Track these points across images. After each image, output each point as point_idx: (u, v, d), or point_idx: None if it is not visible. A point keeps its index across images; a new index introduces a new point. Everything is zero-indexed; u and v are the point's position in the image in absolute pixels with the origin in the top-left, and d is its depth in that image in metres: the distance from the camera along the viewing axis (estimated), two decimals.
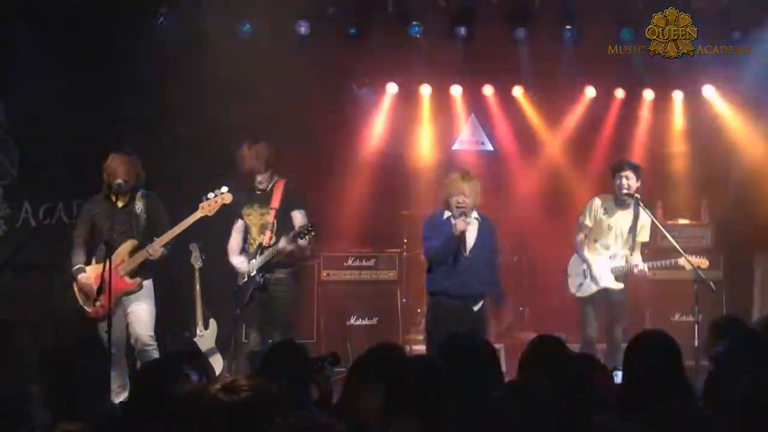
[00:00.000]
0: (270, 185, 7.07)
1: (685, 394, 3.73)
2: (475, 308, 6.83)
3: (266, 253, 6.90)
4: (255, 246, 7.03)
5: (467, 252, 6.80)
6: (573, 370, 3.84)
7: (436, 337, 6.47)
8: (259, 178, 7.00)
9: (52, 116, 8.16)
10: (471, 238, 6.83)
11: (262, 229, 7.01)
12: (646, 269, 7.50)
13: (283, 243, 6.80)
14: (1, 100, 8.26)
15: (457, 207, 6.75)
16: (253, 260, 6.97)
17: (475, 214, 6.86)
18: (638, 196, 7.55)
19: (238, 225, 7.15)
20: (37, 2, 8.09)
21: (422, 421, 3.34)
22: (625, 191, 7.46)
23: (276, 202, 7.00)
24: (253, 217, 7.07)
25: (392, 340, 6.67)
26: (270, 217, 7.00)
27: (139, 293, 6.76)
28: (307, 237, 6.82)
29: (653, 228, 7.74)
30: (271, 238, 6.96)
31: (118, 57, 8.24)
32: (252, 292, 6.94)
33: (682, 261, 7.42)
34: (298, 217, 7.03)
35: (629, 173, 7.48)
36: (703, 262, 7.53)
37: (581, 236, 7.68)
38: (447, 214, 6.86)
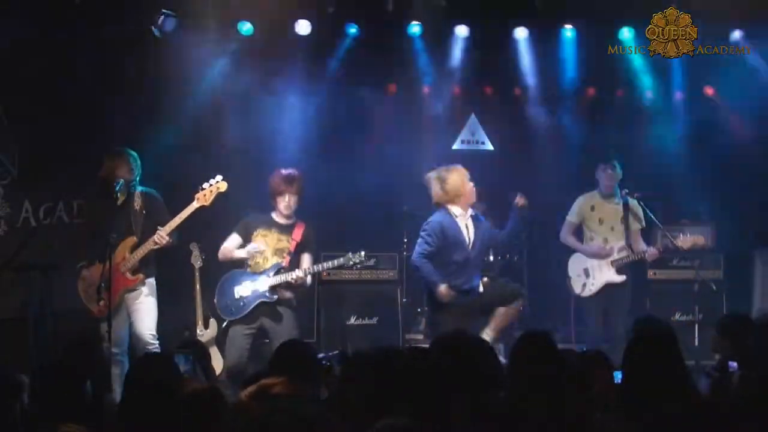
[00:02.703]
0: (293, 222, 7.28)
1: (686, 393, 3.72)
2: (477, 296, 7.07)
3: (287, 275, 7.13)
4: (263, 266, 7.20)
5: (470, 248, 6.97)
6: (562, 364, 3.84)
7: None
8: (289, 213, 7.21)
9: (53, 116, 8.15)
10: (472, 235, 7.00)
11: (278, 252, 7.20)
12: (656, 251, 7.57)
13: (299, 274, 7.11)
14: (1, 101, 8.26)
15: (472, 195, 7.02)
16: (265, 276, 7.13)
17: (471, 211, 7.07)
18: (638, 195, 7.60)
19: (235, 238, 7.29)
20: (38, 2, 8.09)
21: (417, 417, 3.34)
22: (612, 182, 7.56)
23: (298, 235, 7.24)
24: (269, 239, 7.22)
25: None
26: (290, 246, 7.21)
27: (141, 291, 6.76)
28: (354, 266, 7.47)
29: (653, 226, 7.76)
30: (289, 262, 7.18)
31: (118, 57, 8.24)
32: (257, 305, 7.12)
33: (679, 241, 7.50)
34: (306, 260, 7.28)
35: (615, 164, 7.61)
36: (699, 239, 7.61)
37: (568, 235, 7.77)
38: (458, 211, 6.89)
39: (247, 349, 7.18)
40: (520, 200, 7.02)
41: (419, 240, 7.04)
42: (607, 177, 7.63)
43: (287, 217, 7.26)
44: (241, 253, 7.24)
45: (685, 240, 7.60)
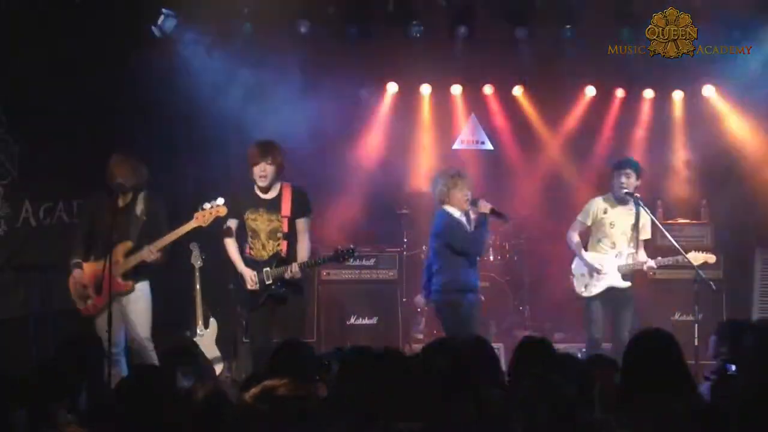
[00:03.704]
0: (277, 192, 6.94)
1: (686, 391, 3.72)
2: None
3: (287, 268, 6.82)
4: (264, 253, 6.92)
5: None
6: (559, 370, 3.84)
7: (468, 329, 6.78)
8: (265, 185, 6.87)
9: (52, 116, 8.15)
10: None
11: (272, 235, 6.90)
12: (655, 265, 7.56)
13: (296, 269, 6.80)
14: (1, 100, 8.25)
15: (467, 199, 7.02)
16: (267, 269, 6.84)
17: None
18: (638, 195, 7.58)
19: (232, 223, 6.98)
20: (38, 2, 8.09)
21: (417, 420, 3.34)
22: (624, 189, 7.52)
23: (287, 210, 6.90)
24: (260, 222, 6.90)
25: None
26: (283, 226, 6.90)
27: (135, 294, 6.72)
28: (343, 260, 7.13)
29: (653, 227, 7.76)
30: (287, 247, 6.90)
31: (118, 57, 8.23)
32: (266, 298, 6.87)
33: (690, 256, 7.47)
34: (302, 225, 6.96)
35: (630, 171, 7.56)
36: (710, 257, 7.58)
37: (575, 234, 7.75)
38: (457, 212, 6.97)
39: (270, 332, 6.88)
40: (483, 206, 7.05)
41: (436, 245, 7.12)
42: (620, 184, 7.57)
43: (266, 189, 6.89)
44: (236, 263, 6.96)
45: (697, 257, 7.56)
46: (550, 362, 4.01)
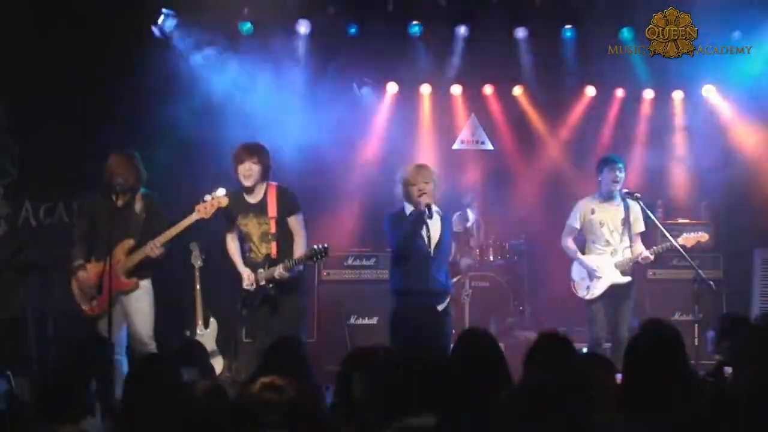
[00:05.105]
0: (262, 195, 6.89)
1: (689, 391, 3.72)
2: (440, 307, 6.66)
3: (275, 270, 6.75)
4: (260, 254, 6.91)
5: (431, 248, 6.68)
6: (579, 368, 3.83)
7: (399, 336, 6.35)
8: (250, 185, 6.81)
9: (53, 115, 8.16)
10: (435, 234, 6.73)
11: (264, 237, 6.89)
12: (650, 255, 7.56)
13: (281, 271, 6.70)
14: (2, 100, 8.27)
15: (419, 192, 6.65)
16: (261, 270, 6.84)
17: (436, 208, 6.76)
18: (638, 195, 7.59)
19: (233, 231, 7.02)
20: (39, 2, 8.10)
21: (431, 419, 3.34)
22: (618, 183, 7.55)
23: (273, 210, 6.85)
24: (251, 226, 6.89)
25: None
26: (271, 227, 6.86)
27: (137, 292, 6.73)
28: (317, 259, 6.83)
29: (653, 226, 7.76)
30: (277, 248, 6.86)
31: (119, 57, 8.24)
32: (262, 299, 6.86)
33: (682, 240, 7.49)
34: (294, 223, 6.92)
35: (621, 165, 7.60)
36: (703, 236, 7.60)
37: (568, 239, 7.78)
38: (409, 208, 6.76)
39: (269, 332, 6.69)
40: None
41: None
42: (614, 179, 7.59)
43: (251, 189, 6.81)
44: (236, 263, 6.96)
45: (688, 238, 7.59)
46: (570, 360, 3.98)
